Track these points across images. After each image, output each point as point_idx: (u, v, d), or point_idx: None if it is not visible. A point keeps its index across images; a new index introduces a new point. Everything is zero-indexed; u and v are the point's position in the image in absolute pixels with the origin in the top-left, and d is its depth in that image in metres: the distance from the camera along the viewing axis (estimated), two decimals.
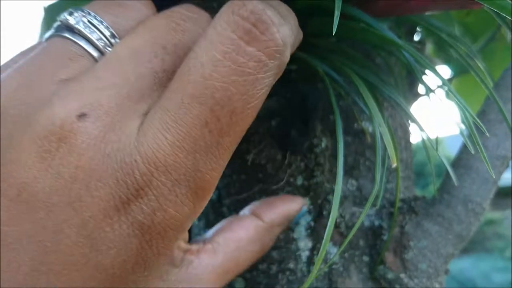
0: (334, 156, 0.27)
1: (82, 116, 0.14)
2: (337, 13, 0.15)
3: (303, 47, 0.23)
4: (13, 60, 0.17)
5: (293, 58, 0.23)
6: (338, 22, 0.18)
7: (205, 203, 0.16)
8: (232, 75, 0.15)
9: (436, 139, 0.21)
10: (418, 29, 0.41)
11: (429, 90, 0.21)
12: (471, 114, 0.19)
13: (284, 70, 0.20)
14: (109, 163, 0.14)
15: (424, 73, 0.23)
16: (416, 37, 0.42)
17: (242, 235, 0.20)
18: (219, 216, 0.26)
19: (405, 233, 0.26)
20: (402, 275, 0.25)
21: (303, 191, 0.25)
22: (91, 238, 0.14)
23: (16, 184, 0.14)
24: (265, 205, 0.22)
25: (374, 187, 0.23)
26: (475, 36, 0.52)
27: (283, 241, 0.25)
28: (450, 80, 0.50)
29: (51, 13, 0.38)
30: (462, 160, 0.26)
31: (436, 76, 0.20)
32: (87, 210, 0.14)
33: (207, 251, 0.19)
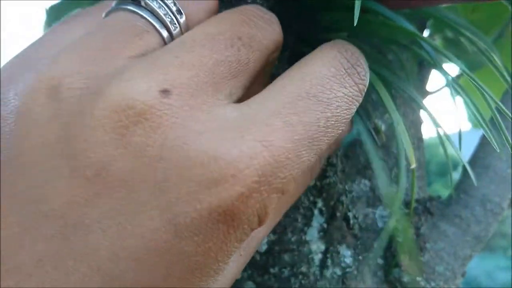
0: (347, 156, 0.26)
1: (165, 92, 0.13)
2: (358, 4, 0.14)
3: (316, 43, 0.22)
4: (53, 32, 0.16)
5: (305, 55, 0.22)
6: (353, 16, 0.17)
7: (281, 199, 0.15)
8: (340, 91, 0.16)
9: (460, 133, 0.20)
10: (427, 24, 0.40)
11: (450, 82, 0.20)
12: (497, 102, 0.18)
13: None
14: (202, 141, 0.13)
15: (442, 67, 0.22)
16: (425, 33, 0.42)
17: None
18: None
19: (421, 235, 0.25)
20: (419, 278, 0.24)
21: (316, 192, 0.24)
22: (176, 222, 0.13)
23: (93, 163, 0.13)
24: None
25: (390, 187, 0.22)
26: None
27: (295, 244, 0.24)
28: (458, 77, 0.49)
29: (54, 14, 0.37)
30: (479, 158, 0.26)
31: (459, 67, 0.19)
32: (173, 192, 0.13)
33: None
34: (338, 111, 0.16)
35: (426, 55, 0.21)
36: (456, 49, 0.47)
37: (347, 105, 0.16)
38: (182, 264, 0.13)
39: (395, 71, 0.27)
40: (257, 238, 0.18)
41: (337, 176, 0.25)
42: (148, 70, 0.14)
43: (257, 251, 0.25)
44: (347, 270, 0.25)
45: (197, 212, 0.13)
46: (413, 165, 0.18)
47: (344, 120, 0.16)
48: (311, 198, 0.24)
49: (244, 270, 0.25)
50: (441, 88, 0.44)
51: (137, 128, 0.13)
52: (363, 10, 0.20)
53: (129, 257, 0.13)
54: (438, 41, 0.47)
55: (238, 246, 0.15)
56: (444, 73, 0.21)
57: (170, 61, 0.14)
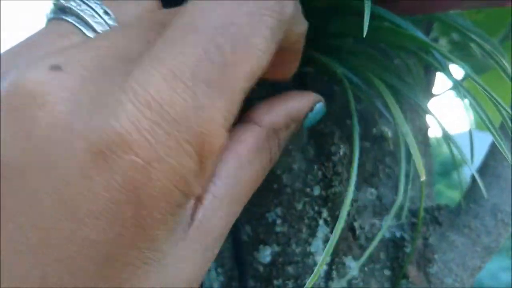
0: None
1: (54, 67, 0.13)
2: (367, 12, 0.13)
3: (323, 48, 0.21)
4: None
5: (311, 60, 0.21)
6: (361, 21, 0.16)
7: (214, 160, 0.13)
8: (230, 4, 0.13)
9: (470, 136, 0.20)
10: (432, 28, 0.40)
11: (458, 87, 0.19)
12: (506, 109, 0.18)
13: (298, 73, 0.19)
14: (87, 113, 0.12)
15: (450, 72, 0.21)
16: (431, 36, 0.41)
17: (241, 150, 0.16)
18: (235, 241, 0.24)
19: (429, 245, 0.24)
20: None
21: (321, 201, 0.24)
22: (71, 206, 0.12)
23: None
24: (263, 107, 0.17)
25: (397, 197, 0.22)
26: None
27: (299, 255, 0.24)
28: (463, 80, 0.48)
29: None
30: (489, 167, 0.25)
31: (468, 73, 0.18)
32: (60, 171, 0.12)
33: (210, 191, 0.15)
34: (236, 36, 0.13)
35: (434, 61, 0.21)
36: (462, 52, 0.46)
37: (250, 23, 0.13)
38: (91, 254, 0.12)
39: (402, 76, 0.26)
40: (217, 228, 0.15)
41: (343, 185, 0.24)
42: (47, 55, 0.13)
43: (260, 263, 0.24)
44: (353, 282, 0.24)
45: (90, 190, 0.12)
46: (423, 178, 0.17)
47: (256, 46, 0.13)
48: (316, 208, 0.24)
49: (247, 282, 0.25)
50: (446, 91, 0.43)
51: (27, 109, 0.12)
52: (371, 16, 0.20)
53: (29, 251, 0.12)
54: (444, 44, 0.47)
55: (168, 228, 0.13)
56: (452, 77, 0.21)
57: (75, 47, 0.14)
